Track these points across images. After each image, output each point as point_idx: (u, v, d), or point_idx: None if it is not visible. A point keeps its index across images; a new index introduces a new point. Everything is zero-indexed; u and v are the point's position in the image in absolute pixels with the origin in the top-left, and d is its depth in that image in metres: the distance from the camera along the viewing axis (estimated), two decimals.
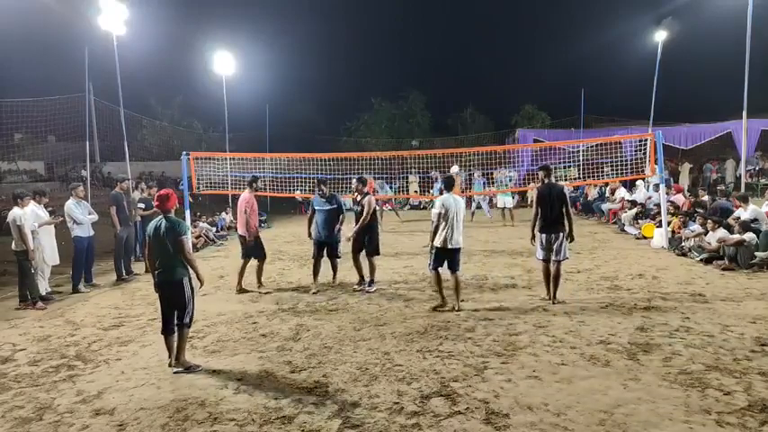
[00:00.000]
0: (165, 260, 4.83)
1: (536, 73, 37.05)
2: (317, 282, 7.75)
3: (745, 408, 3.71)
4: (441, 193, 6.82)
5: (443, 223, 6.32)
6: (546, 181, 6.79)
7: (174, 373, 4.73)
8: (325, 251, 7.72)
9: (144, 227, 9.90)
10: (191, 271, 4.91)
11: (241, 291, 7.73)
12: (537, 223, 6.68)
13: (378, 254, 7.73)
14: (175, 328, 4.84)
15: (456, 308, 6.37)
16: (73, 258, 8.25)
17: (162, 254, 4.84)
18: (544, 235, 6.62)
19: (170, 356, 4.86)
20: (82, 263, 8.30)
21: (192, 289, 4.91)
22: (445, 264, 6.45)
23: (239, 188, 14.87)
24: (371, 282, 7.63)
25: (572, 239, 6.70)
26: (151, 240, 4.91)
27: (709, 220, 9.30)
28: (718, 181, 20.14)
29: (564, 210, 6.57)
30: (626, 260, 9.38)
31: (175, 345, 4.82)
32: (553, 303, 6.55)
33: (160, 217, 4.94)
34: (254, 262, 7.89)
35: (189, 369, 4.77)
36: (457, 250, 6.43)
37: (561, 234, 6.55)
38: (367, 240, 7.59)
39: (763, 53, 14.59)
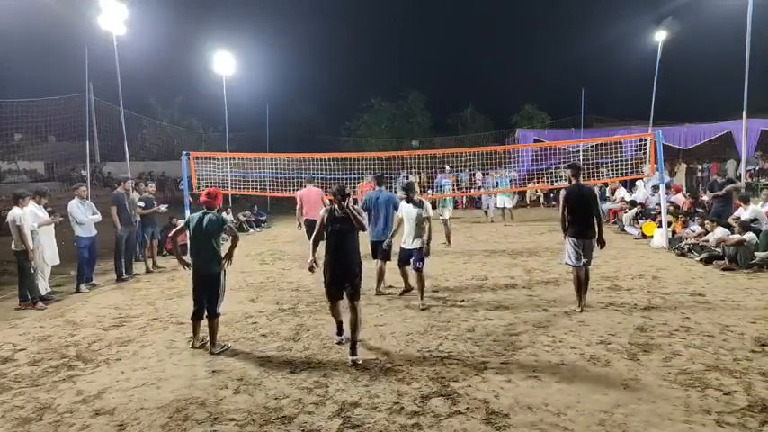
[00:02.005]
0: (204, 253, 5.15)
1: (536, 73, 37.30)
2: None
3: (745, 408, 3.71)
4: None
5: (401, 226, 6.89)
6: (574, 181, 6.30)
7: (194, 348, 5.23)
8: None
9: (144, 227, 9.93)
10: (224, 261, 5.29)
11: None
12: (568, 227, 6.24)
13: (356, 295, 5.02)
14: (206, 319, 5.21)
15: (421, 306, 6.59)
16: (78, 258, 8.30)
17: (202, 247, 5.16)
18: (577, 240, 6.20)
19: (194, 338, 5.31)
20: (85, 263, 8.31)
21: (225, 282, 5.31)
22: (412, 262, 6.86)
23: (239, 188, 14.94)
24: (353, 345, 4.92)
25: (603, 245, 6.28)
26: (192, 233, 5.18)
27: (707, 221, 9.34)
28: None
29: (594, 212, 6.18)
30: (626, 260, 9.37)
31: (208, 336, 5.21)
32: (581, 311, 6.17)
33: (203, 211, 5.21)
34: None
35: (222, 351, 5.18)
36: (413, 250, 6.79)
37: (592, 238, 6.21)
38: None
39: (764, 53, 14.60)
